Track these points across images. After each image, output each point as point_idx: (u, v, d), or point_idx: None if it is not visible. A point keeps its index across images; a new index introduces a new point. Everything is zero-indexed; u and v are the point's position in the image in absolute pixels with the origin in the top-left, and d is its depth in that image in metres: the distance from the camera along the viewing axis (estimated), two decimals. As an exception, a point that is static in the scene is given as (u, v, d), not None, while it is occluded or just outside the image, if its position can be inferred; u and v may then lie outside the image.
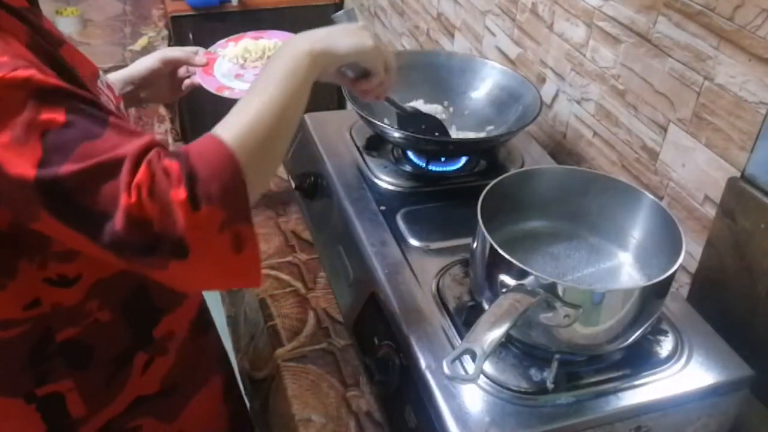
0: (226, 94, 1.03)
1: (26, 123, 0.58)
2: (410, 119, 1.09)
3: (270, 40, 1.12)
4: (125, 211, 0.58)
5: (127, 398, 0.85)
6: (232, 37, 1.14)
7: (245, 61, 1.08)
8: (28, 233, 0.68)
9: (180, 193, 0.59)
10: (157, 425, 0.89)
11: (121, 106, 0.87)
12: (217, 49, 1.11)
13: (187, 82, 1.08)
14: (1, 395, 0.79)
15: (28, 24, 0.70)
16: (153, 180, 0.59)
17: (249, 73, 1.07)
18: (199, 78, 1.06)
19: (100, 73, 0.83)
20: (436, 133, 1.11)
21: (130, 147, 0.60)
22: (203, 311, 0.95)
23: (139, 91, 1.07)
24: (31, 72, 0.59)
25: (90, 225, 0.60)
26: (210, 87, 1.04)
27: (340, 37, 0.79)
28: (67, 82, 0.63)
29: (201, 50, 1.07)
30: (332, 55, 0.78)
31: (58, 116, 0.59)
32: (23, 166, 0.58)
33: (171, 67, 1.06)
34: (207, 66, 1.06)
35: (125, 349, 0.83)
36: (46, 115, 0.59)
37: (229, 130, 0.66)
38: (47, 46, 0.70)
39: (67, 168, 0.58)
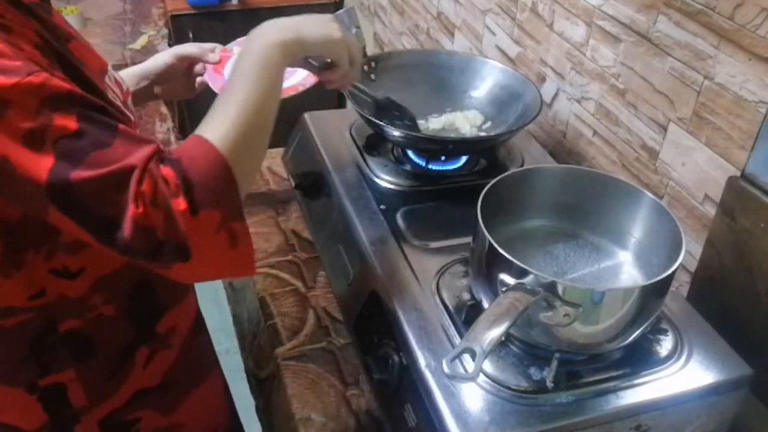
0: None
1: (39, 129, 0.60)
2: (383, 107, 1.10)
3: None
4: (133, 220, 0.61)
5: (128, 391, 0.85)
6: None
7: None
8: (38, 224, 0.69)
9: (180, 203, 0.62)
10: (156, 417, 0.90)
11: (129, 101, 0.87)
12: (233, 46, 1.08)
13: (199, 79, 1.07)
14: (3, 384, 0.79)
15: (37, 20, 0.70)
16: (155, 190, 0.61)
17: None
18: (207, 76, 1.04)
19: (109, 68, 0.83)
20: (406, 122, 1.13)
21: (138, 156, 0.62)
22: (199, 309, 0.96)
23: (154, 87, 1.07)
24: (44, 77, 0.60)
25: (98, 228, 0.62)
26: (215, 87, 1.02)
27: (308, 27, 0.80)
28: (73, 80, 0.64)
29: (218, 47, 1.06)
30: (301, 44, 0.79)
31: (70, 123, 0.60)
32: (35, 170, 0.60)
33: (186, 64, 1.06)
34: (219, 64, 1.04)
35: (128, 343, 0.84)
36: (58, 122, 0.60)
37: (213, 131, 0.67)
38: (55, 43, 0.70)
39: (77, 174, 0.60)
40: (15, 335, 0.76)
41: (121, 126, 0.63)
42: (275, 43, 0.75)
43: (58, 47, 0.70)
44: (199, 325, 0.95)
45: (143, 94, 1.05)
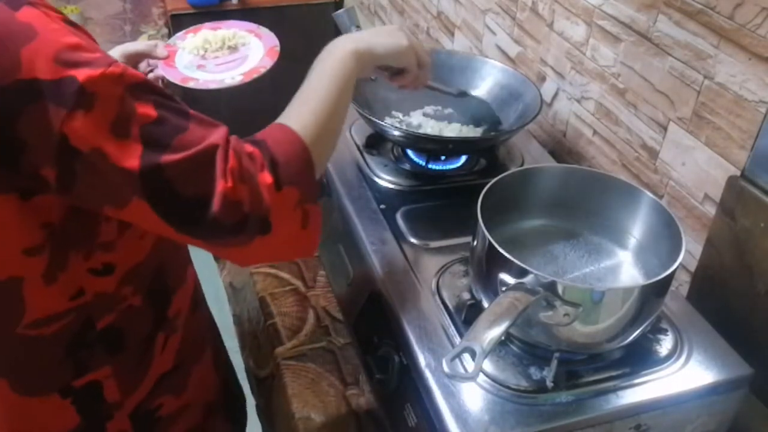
0: (191, 84, 1.03)
1: (125, 118, 0.62)
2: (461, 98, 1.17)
3: (228, 30, 1.13)
4: (222, 196, 0.64)
5: (152, 379, 0.86)
6: (190, 29, 1.14)
7: (206, 51, 1.09)
8: (78, 224, 0.70)
9: (266, 177, 0.67)
10: (173, 401, 0.90)
11: None
12: (176, 41, 1.11)
13: (151, 75, 1.09)
14: (34, 395, 0.79)
15: None
16: (241, 165, 0.66)
17: (210, 63, 1.08)
18: (162, 70, 1.06)
19: None
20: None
21: (216, 136, 0.66)
22: (197, 286, 0.96)
23: None
24: (122, 67, 0.63)
25: (186, 210, 0.65)
26: (174, 79, 1.05)
27: (379, 39, 0.88)
28: None
29: (160, 43, 1.08)
30: (372, 54, 0.87)
31: (150, 111, 0.63)
32: (127, 159, 0.62)
33: (133, 62, 1.07)
34: (168, 58, 1.07)
35: (150, 331, 0.85)
36: (140, 110, 0.63)
37: (295, 120, 0.75)
38: None
39: (167, 158, 0.63)
40: (54, 341, 0.76)
41: (191, 111, 0.67)
42: (350, 51, 0.83)
43: None
44: (196, 300, 0.95)
45: None
